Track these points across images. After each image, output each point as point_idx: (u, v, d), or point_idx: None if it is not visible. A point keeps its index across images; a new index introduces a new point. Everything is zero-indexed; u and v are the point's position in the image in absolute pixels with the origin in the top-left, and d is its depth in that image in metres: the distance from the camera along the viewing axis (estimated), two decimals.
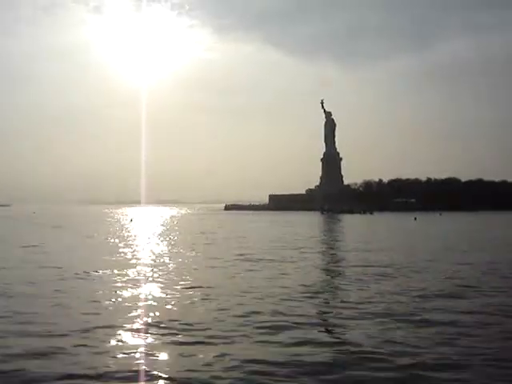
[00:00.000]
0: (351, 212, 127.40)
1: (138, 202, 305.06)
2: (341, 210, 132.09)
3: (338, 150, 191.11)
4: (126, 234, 53.76)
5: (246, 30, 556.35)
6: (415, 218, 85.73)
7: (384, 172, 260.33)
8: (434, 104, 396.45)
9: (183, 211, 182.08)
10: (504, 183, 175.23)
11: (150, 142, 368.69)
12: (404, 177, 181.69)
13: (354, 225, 76.04)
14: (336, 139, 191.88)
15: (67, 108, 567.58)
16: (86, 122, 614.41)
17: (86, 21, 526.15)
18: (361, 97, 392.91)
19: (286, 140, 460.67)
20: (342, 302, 16.39)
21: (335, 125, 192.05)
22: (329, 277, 22.50)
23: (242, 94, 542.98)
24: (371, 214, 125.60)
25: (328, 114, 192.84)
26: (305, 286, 19.41)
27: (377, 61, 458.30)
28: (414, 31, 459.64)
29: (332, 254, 32.55)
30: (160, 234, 53.44)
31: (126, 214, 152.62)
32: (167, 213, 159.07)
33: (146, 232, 59.51)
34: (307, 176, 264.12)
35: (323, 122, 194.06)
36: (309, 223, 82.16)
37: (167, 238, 46.94)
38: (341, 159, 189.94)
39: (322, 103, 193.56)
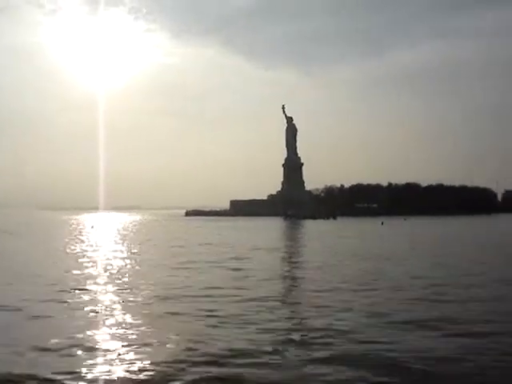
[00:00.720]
0: (314, 217, 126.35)
1: (95, 208, 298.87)
2: (304, 216, 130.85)
3: (299, 156, 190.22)
4: (85, 242, 50.94)
5: (205, 34, 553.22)
6: (382, 223, 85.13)
7: (345, 177, 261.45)
8: (392, 109, 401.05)
9: (141, 217, 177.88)
10: (464, 188, 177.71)
11: (108, 146, 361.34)
12: (365, 182, 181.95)
13: (320, 231, 74.55)
14: (297, 144, 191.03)
15: (21, 110, 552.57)
16: (40, 125, 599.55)
17: (42, 23, 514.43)
18: (320, 102, 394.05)
19: (247, 145, 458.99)
20: None
21: (296, 130, 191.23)
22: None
23: (201, 98, 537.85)
24: (334, 219, 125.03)
25: (289, 120, 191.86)
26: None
27: (335, 66, 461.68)
28: (372, 36, 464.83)
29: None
30: (116, 242, 50.83)
31: (84, 220, 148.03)
32: (127, 219, 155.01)
33: (105, 240, 56.68)
34: (269, 181, 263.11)
35: (284, 128, 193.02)
36: (271, 229, 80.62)
37: (123, 246, 44.47)
38: (302, 164, 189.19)
39: (283, 108, 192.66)
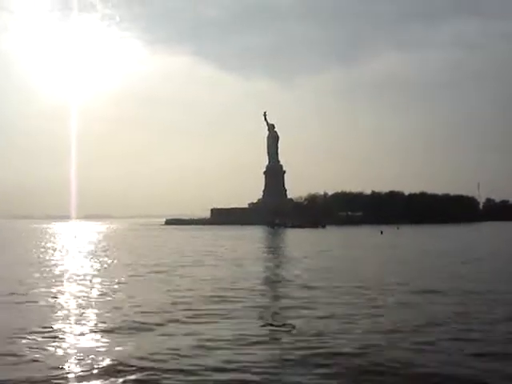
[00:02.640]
0: (301, 226, 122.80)
1: (67, 217, 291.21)
2: (292, 225, 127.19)
3: (281, 163, 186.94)
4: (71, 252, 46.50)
5: (178, 43, 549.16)
6: (381, 232, 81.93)
7: (325, 186, 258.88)
8: (369, 118, 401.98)
9: (118, 226, 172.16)
10: (447, 196, 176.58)
11: (80, 154, 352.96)
12: (348, 190, 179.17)
13: (318, 244, 70.17)
14: (279, 152, 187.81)
15: None
16: (11, 133, 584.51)
17: (10, 29, 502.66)
18: (296, 111, 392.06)
19: (226, 154, 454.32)
20: None
21: (278, 137, 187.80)
22: None
23: (176, 107, 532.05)
24: (323, 227, 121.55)
25: (271, 127, 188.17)
26: None
27: (310, 75, 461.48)
28: (346, 46, 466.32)
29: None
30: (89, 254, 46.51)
31: (59, 229, 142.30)
32: (102, 228, 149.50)
33: (86, 250, 52.29)
34: (249, 190, 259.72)
35: (266, 135, 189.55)
36: (259, 239, 76.80)
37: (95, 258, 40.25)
38: (284, 172, 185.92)
39: (264, 115, 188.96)
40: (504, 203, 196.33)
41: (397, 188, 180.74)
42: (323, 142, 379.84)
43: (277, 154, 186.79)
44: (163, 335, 13.85)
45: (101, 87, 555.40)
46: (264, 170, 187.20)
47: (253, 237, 79.79)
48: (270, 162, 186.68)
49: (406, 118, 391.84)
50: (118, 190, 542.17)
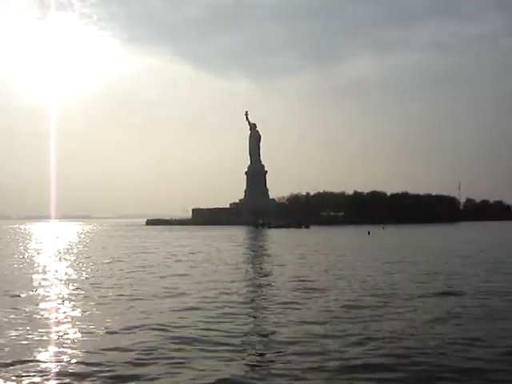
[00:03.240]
0: (286, 226, 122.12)
1: (46, 217, 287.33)
2: (276, 225, 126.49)
3: (263, 163, 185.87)
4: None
5: (156, 42, 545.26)
6: (369, 232, 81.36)
7: (308, 186, 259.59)
8: (348, 119, 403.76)
9: (99, 227, 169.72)
10: (429, 196, 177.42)
11: (60, 154, 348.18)
12: (329, 190, 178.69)
13: (308, 244, 69.68)
14: (261, 152, 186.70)
15: None
16: None
17: None
18: (275, 112, 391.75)
19: (208, 154, 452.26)
20: None
21: (260, 137, 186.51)
22: None
23: (156, 107, 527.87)
24: (307, 228, 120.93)
25: (253, 126, 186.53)
26: None
27: (289, 76, 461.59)
28: (324, 47, 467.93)
29: None
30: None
31: (38, 230, 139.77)
32: (83, 228, 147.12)
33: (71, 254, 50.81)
34: (231, 190, 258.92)
35: (248, 134, 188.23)
36: (243, 240, 75.73)
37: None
38: (266, 172, 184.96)
39: (246, 115, 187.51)
40: (484, 203, 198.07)
41: (379, 188, 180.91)
42: (303, 142, 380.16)
43: (259, 153, 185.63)
44: None
45: (79, 86, 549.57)
46: (246, 170, 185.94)
47: (236, 238, 78.56)
48: (251, 162, 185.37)
49: (384, 119, 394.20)
50: (97, 190, 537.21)
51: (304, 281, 24.61)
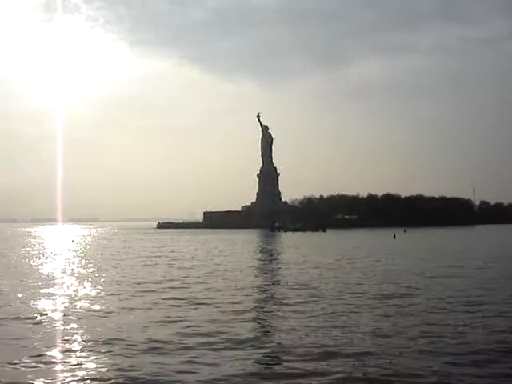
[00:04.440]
0: (303, 230, 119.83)
1: (53, 220, 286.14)
2: (294, 228, 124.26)
3: (275, 165, 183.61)
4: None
5: (163, 45, 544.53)
6: (394, 236, 78.71)
7: (318, 189, 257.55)
8: (357, 122, 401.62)
9: (109, 230, 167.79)
10: (444, 199, 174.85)
11: (66, 158, 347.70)
12: (344, 193, 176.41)
13: (345, 252, 65.59)
14: (273, 154, 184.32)
15: None
16: None
17: None
18: (283, 114, 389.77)
19: (217, 157, 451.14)
20: None
21: (272, 139, 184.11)
22: None
23: (164, 110, 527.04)
24: (324, 231, 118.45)
25: (265, 128, 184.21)
26: None
27: (294, 79, 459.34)
28: (329, 50, 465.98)
29: None
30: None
31: (42, 232, 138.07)
32: (92, 232, 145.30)
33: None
34: (243, 193, 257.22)
35: (260, 136, 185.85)
36: (260, 244, 73.44)
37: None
38: (278, 174, 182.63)
39: (258, 117, 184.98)
40: (498, 206, 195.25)
41: (393, 191, 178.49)
42: (314, 145, 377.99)
43: (271, 156, 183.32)
44: None
45: (86, 90, 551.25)
46: (258, 172, 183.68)
47: (253, 242, 76.35)
48: (263, 165, 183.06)
49: (393, 122, 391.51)
50: (103, 194, 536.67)
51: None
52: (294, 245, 66.14)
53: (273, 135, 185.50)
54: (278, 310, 18.52)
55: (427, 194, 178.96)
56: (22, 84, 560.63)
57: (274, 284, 26.50)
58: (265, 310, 18.91)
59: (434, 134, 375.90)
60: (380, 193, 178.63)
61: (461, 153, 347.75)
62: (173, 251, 54.73)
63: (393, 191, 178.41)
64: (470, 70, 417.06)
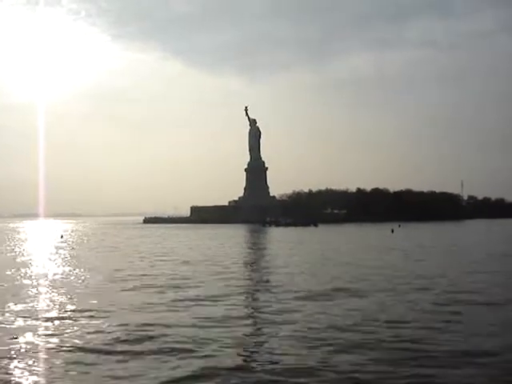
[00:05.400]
0: (295, 224, 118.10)
1: (35, 215, 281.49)
2: (285, 223, 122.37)
3: (263, 160, 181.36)
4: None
5: (145, 38, 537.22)
6: (392, 231, 77.19)
7: (305, 184, 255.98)
8: (344, 115, 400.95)
9: (95, 225, 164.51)
10: (433, 194, 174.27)
11: (50, 152, 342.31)
12: (331, 188, 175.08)
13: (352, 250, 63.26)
14: (261, 148, 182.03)
15: None
16: None
17: None
18: (270, 109, 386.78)
19: (202, 151, 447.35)
20: None
21: (260, 133, 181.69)
22: None
23: (147, 103, 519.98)
24: (315, 226, 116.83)
25: (253, 122, 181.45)
26: None
27: (280, 73, 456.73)
28: (315, 44, 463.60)
29: None
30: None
31: (24, 228, 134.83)
32: (77, 227, 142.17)
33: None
34: (230, 188, 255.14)
35: (247, 130, 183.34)
36: (254, 240, 71.52)
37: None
38: (266, 169, 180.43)
39: (246, 110, 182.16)
40: (486, 201, 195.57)
41: (382, 186, 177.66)
42: (301, 139, 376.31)
43: (259, 150, 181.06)
44: None
45: (68, 83, 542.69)
46: (245, 167, 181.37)
47: (245, 238, 74.36)
48: (251, 159, 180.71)
49: (382, 116, 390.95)
50: (86, 188, 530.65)
51: None
52: (297, 240, 64.38)
53: (260, 130, 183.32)
54: None
55: (416, 188, 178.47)
56: (2, 78, 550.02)
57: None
58: None
59: (423, 128, 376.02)
60: (369, 187, 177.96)
61: (449, 147, 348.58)
62: (190, 247, 51.82)
63: (381, 186, 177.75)
64: (459, 64, 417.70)
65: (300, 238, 70.14)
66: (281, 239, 66.56)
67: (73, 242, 65.77)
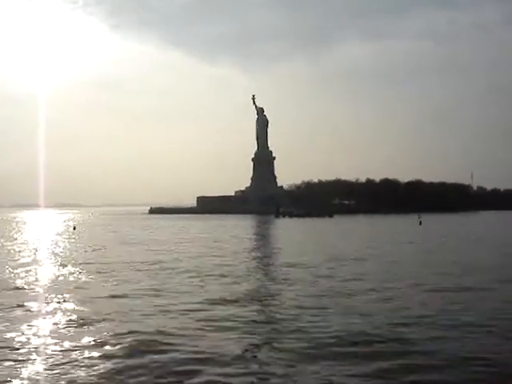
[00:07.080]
0: (309, 215, 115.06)
1: (36, 206, 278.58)
2: (298, 214, 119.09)
3: (270, 149, 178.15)
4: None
5: (144, 28, 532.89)
6: (420, 223, 73.96)
7: (314, 174, 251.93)
8: (341, 106, 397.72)
9: (99, 215, 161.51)
10: (443, 185, 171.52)
11: (50, 142, 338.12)
12: (340, 178, 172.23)
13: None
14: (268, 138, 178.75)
15: None
16: None
17: None
18: (266, 98, 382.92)
19: (208, 141, 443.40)
20: None
21: (267, 122, 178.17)
22: None
23: (147, 92, 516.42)
24: (331, 217, 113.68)
25: (260, 111, 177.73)
26: None
27: (279, 63, 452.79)
28: (314, 35, 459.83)
29: None
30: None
31: (26, 218, 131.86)
32: (78, 217, 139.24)
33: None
34: (237, 178, 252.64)
35: (255, 119, 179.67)
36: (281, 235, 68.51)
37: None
38: (274, 158, 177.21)
39: (253, 99, 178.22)
40: (495, 192, 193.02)
41: (391, 176, 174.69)
42: (304, 129, 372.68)
43: (266, 139, 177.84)
44: None
45: (67, 73, 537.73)
46: (252, 156, 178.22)
47: (270, 230, 71.45)
48: (258, 148, 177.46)
49: (379, 107, 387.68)
50: (89, 178, 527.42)
51: None
52: (338, 234, 61.44)
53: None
54: None
55: (426, 179, 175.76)
56: (2, 67, 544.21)
57: None
58: None
59: (429, 119, 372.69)
60: (378, 178, 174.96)
61: (458, 138, 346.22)
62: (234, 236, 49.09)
63: (391, 176, 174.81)
64: (460, 55, 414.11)
65: (330, 230, 67.33)
66: (317, 233, 63.73)
67: (102, 236, 62.72)
